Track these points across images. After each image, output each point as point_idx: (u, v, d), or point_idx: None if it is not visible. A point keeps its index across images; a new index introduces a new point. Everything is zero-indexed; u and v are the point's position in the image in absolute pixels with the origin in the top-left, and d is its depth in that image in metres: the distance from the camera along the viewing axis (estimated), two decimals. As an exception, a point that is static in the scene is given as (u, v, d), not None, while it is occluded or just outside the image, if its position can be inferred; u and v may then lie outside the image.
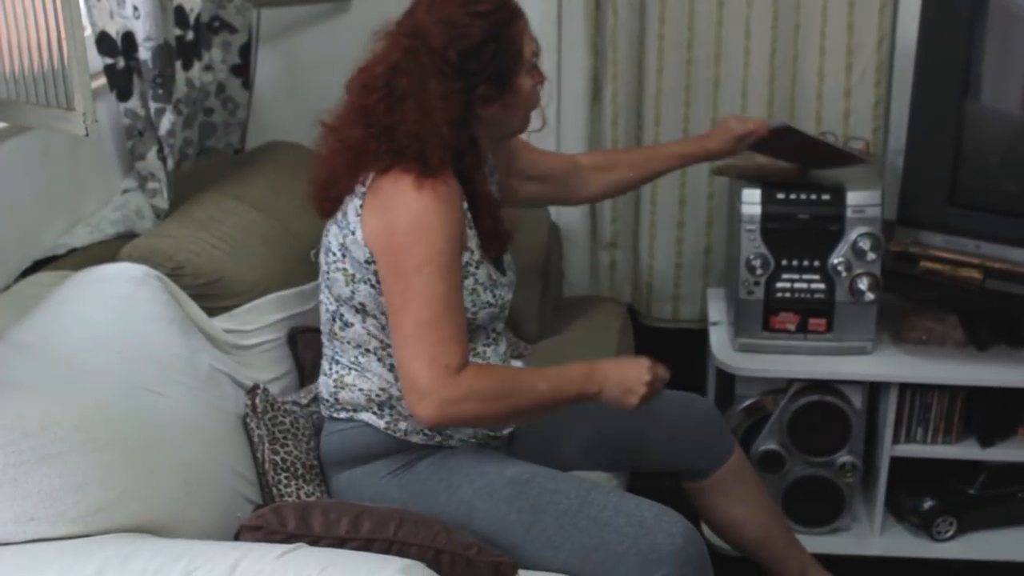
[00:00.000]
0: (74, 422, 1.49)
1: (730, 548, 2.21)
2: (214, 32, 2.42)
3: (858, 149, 2.55)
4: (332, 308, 1.82)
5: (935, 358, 2.42)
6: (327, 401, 1.87)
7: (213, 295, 2.04)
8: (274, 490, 1.81)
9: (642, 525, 1.70)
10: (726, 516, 2.07)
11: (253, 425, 1.85)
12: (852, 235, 2.35)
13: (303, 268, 2.10)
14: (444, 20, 1.72)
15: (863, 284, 2.35)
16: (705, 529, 2.22)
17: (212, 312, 2.01)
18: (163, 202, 2.23)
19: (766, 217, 2.36)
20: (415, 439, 1.82)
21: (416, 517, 1.64)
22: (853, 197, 2.35)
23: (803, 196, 2.36)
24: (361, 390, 1.81)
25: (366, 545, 1.56)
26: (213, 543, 1.52)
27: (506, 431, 1.92)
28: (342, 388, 1.83)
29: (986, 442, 2.46)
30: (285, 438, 1.86)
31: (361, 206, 1.73)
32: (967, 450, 2.47)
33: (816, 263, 2.38)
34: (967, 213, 2.33)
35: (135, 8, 2.08)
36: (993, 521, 2.53)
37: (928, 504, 2.50)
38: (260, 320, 2.08)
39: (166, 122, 2.17)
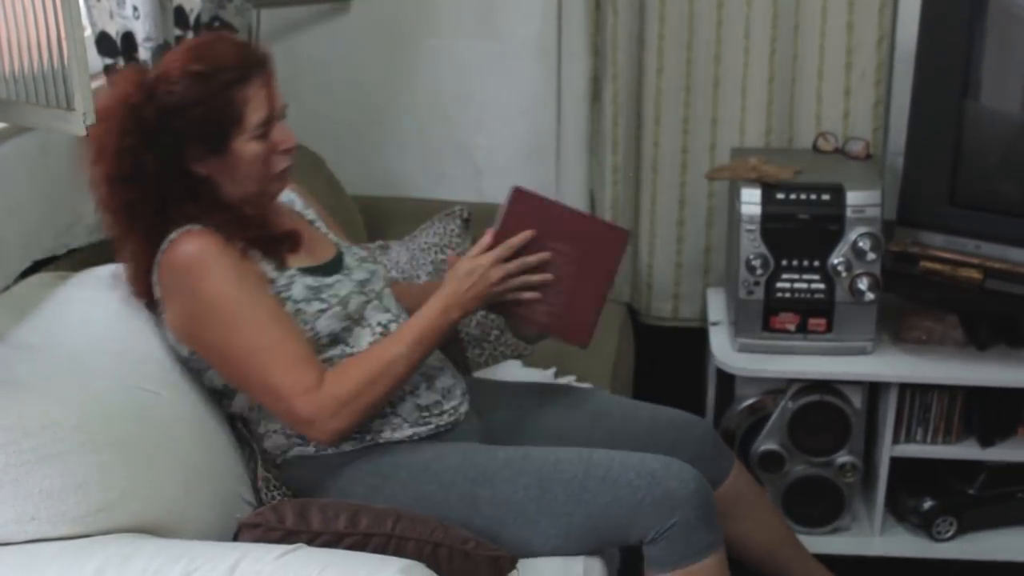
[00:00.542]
0: (74, 422, 1.49)
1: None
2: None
3: (858, 149, 2.55)
4: (212, 392, 1.83)
5: (935, 358, 2.42)
6: (267, 454, 1.86)
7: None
8: (266, 502, 1.80)
9: (652, 475, 1.71)
10: (729, 533, 2.00)
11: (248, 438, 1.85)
12: (852, 235, 2.35)
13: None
14: (161, 74, 1.72)
15: (863, 284, 2.35)
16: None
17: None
18: (163, 202, 2.23)
19: (766, 217, 2.36)
20: (347, 447, 1.81)
21: (413, 513, 1.64)
22: (853, 197, 2.35)
23: (803, 196, 2.36)
24: (275, 431, 1.82)
25: (364, 541, 1.56)
26: (213, 543, 1.52)
27: (449, 418, 1.89)
28: (264, 439, 1.83)
29: (986, 442, 2.46)
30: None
31: (160, 313, 1.77)
32: (967, 450, 2.47)
33: (816, 263, 2.38)
34: (967, 213, 2.34)
35: (135, 8, 2.08)
36: (993, 521, 2.53)
37: (928, 504, 2.50)
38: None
39: (166, 122, 2.17)
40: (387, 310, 1.89)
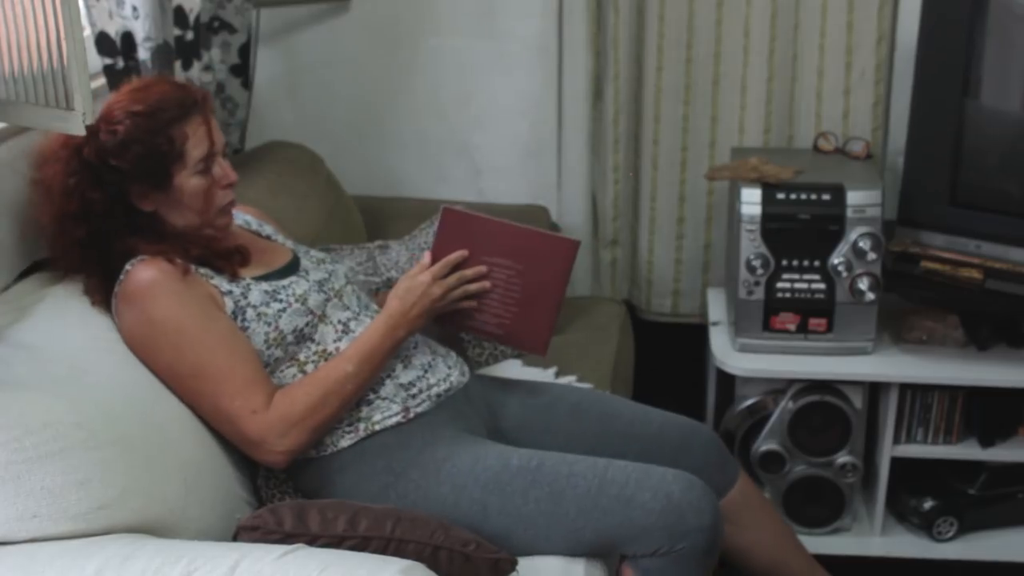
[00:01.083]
0: (75, 420, 1.49)
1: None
2: (213, 32, 2.41)
3: (858, 149, 2.55)
4: None
5: (936, 358, 2.42)
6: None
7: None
8: (267, 503, 1.81)
9: (669, 499, 1.71)
10: (732, 544, 2.02)
11: None
12: (852, 235, 2.35)
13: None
14: (103, 116, 1.76)
15: (863, 284, 2.35)
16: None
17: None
18: (162, 202, 2.23)
19: (766, 217, 2.36)
20: (344, 443, 1.82)
21: (413, 514, 1.63)
22: (853, 197, 2.34)
23: (803, 196, 2.36)
24: None
25: (363, 543, 1.56)
26: (213, 544, 1.52)
27: (441, 387, 1.90)
28: None
29: (987, 442, 2.46)
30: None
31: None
32: (968, 450, 2.47)
33: (816, 263, 2.37)
34: (968, 213, 2.33)
35: (134, 8, 2.08)
36: (994, 521, 2.53)
37: (929, 504, 2.50)
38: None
39: (165, 122, 2.17)
40: (347, 308, 1.92)
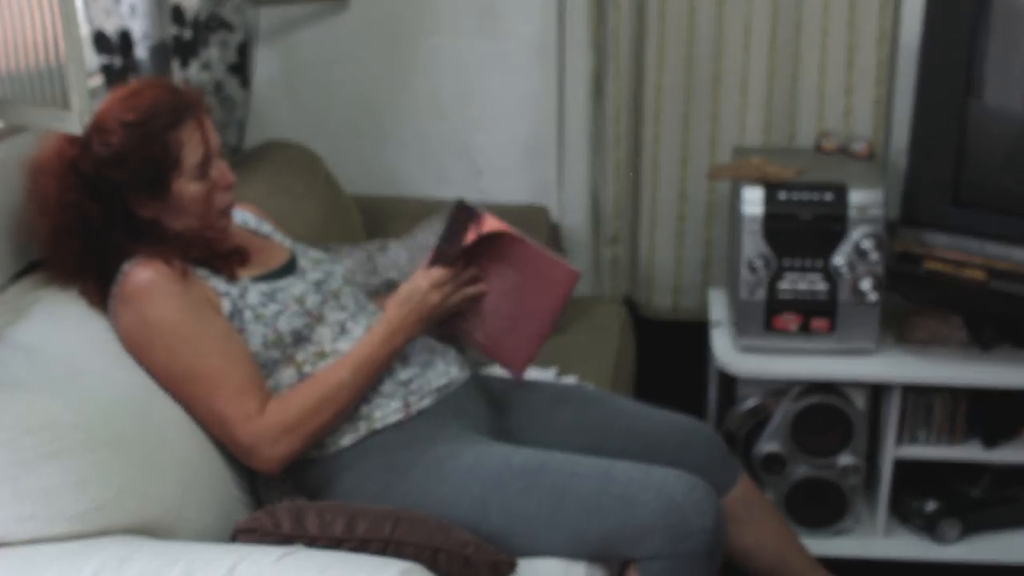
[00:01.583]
0: (73, 420, 1.49)
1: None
2: (212, 31, 2.41)
3: (861, 148, 2.54)
4: None
5: (939, 359, 2.41)
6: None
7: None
8: (266, 503, 1.80)
9: (671, 501, 1.70)
10: (734, 544, 2.00)
11: None
12: (855, 235, 2.34)
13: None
14: (95, 126, 1.74)
15: (866, 284, 2.34)
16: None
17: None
18: (161, 202, 2.22)
19: (768, 217, 2.36)
20: (345, 442, 1.82)
21: (412, 516, 1.62)
22: (856, 197, 2.34)
23: (805, 196, 2.35)
24: None
25: (362, 546, 1.55)
26: (211, 545, 1.52)
27: (440, 382, 1.90)
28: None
29: (990, 443, 2.46)
30: None
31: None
32: (971, 451, 2.47)
33: (818, 263, 2.37)
34: (971, 213, 2.33)
35: (132, 6, 2.07)
36: (998, 523, 2.52)
37: (932, 506, 2.49)
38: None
39: (164, 121, 2.16)
40: (344, 308, 1.91)
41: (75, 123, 1.59)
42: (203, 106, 1.83)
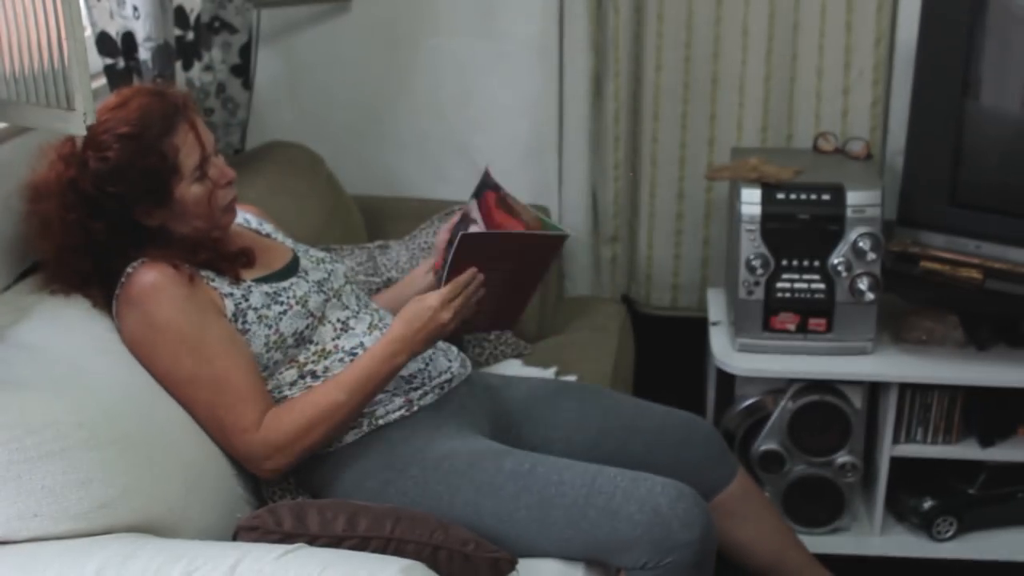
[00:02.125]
0: (76, 419, 1.49)
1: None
2: (214, 32, 2.42)
3: (858, 149, 2.55)
4: None
5: (935, 358, 2.42)
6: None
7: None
8: (269, 501, 1.81)
9: (656, 512, 1.69)
10: (732, 539, 2.02)
11: None
12: (852, 235, 2.35)
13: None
14: (88, 142, 1.73)
15: (863, 284, 2.35)
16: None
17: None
18: (163, 202, 2.23)
19: (766, 217, 2.36)
20: (348, 439, 1.83)
21: (413, 514, 1.63)
22: (853, 197, 2.35)
23: (803, 196, 2.36)
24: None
25: (363, 543, 1.55)
26: (213, 543, 1.52)
27: (443, 378, 1.91)
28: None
29: (986, 442, 2.46)
30: None
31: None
32: (967, 450, 2.47)
33: (816, 263, 2.38)
34: (967, 213, 2.34)
35: (135, 8, 2.08)
36: (993, 521, 2.53)
37: (928, 504, 2.50)
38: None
39: (166, 122, 2.17)
40: (346, 307, 1.92)
41: (79, 124, 1.59)
42: (192, 106, 1.82)
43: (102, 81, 2.15)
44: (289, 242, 2.03)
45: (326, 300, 1.89)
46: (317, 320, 1.86)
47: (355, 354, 1.86)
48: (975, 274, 2.33)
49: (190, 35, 2.27)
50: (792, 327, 2.42)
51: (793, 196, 2.37)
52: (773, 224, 2.37)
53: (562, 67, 2.76)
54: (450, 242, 1.85)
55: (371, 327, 1.91)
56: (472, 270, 1.81)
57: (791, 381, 2.44)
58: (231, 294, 1.80)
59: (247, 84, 2.53)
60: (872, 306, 2.38)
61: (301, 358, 1.84)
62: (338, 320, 1.89)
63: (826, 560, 2.19)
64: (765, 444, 2.47)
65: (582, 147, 2.81)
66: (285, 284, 1.87)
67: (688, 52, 2.71)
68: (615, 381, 2.43)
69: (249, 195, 2.26)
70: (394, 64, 2.83)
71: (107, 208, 1.75)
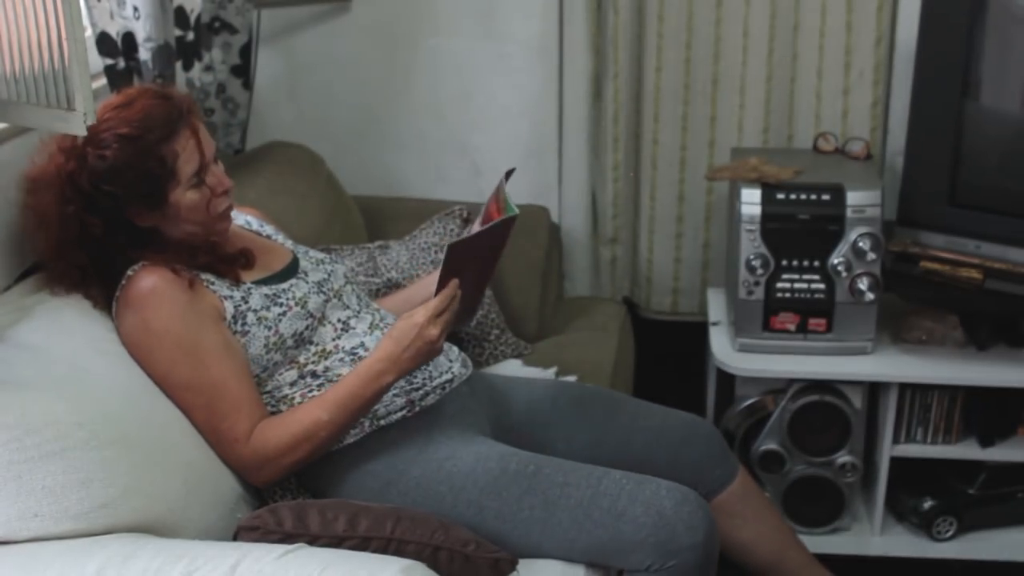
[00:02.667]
0: (77, 419, 1.50)
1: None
2: (214, 33, 2.42)
3: (858, 149, 2.55)
4: None
5: (935, 358, 2.42)
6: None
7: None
8: (269, 501, 1.81)
9: (661, 515, 1.70)
10: (732, 539, 2.03)
11: None
12: (852, 235, 2.35)
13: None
14: (89, 138, 1.72)
15: (863, 284, 2.35)
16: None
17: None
18: (163, 202, 2.23)
19: (766, 217, 2.37)
20: (349, 440, 1.83)
21: (413, 514, 1.63)
22: (853, 197, 2.35)
23: (803, 196, 2.36)
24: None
25: (363, 544, 1.56)
26: (213, 543, 1.52)
27: (442, 378, 1.90)
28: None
29: (986, 442, 2.46)
30: None
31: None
32: (967, 450, 2.48)
33: (816, 263, 2.38)
34: (967, 213, 2.34)
35: (135, 9, 2.08)
36: (993, 521, 2.53)
37: (928, 504, 2.50)
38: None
39: (166, 122, 2.17)
40: (347, 307, 1.92)
41: (79, 124, 1.59)
42: (196, 112, 1.82)
43: (102, 81, 2.15)
44: (289, 244, 2.03)
45: (326, 301, 1.89)
46: (317, 321, 1.86)
47: (355, 354, 1.86)
48: (975, 274, 2.33)
49: (190, 35, 2.27)
50: (792, 327, 2.42)
51: (793, 196, 2.37)
52: (773, 224, 2.37)
53: (562, 68, 2.76)
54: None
55: (372, 327, 1.91)
56: (454, 281, 1.77)
57: (791, 381, 2.44)
58: (231, 296, 1.80)
59: (247, 84, 2.53)
60: (872, 306, 2.38)
61: (301, 359, 1.84)
62: (339, 320, 1.89)
63: (826, 560, 2.19)
64: (765, 444, 2.47)
65: (582, 148, 2.81)
66: (284, 285, 1.87)
67: (688, 53, 2.71)
68: (615, 381, 2.43)
69: (249, 195, 2.26)
70: (394, 64, 2.83)
71: (101, 205, 1.75)
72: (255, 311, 1.80)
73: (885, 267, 2.38)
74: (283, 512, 1.59)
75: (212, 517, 1.66)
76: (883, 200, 2.35)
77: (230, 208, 1.87)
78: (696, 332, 2.77)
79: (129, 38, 2.12)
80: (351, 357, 1.86)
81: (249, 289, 1.83)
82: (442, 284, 1.77)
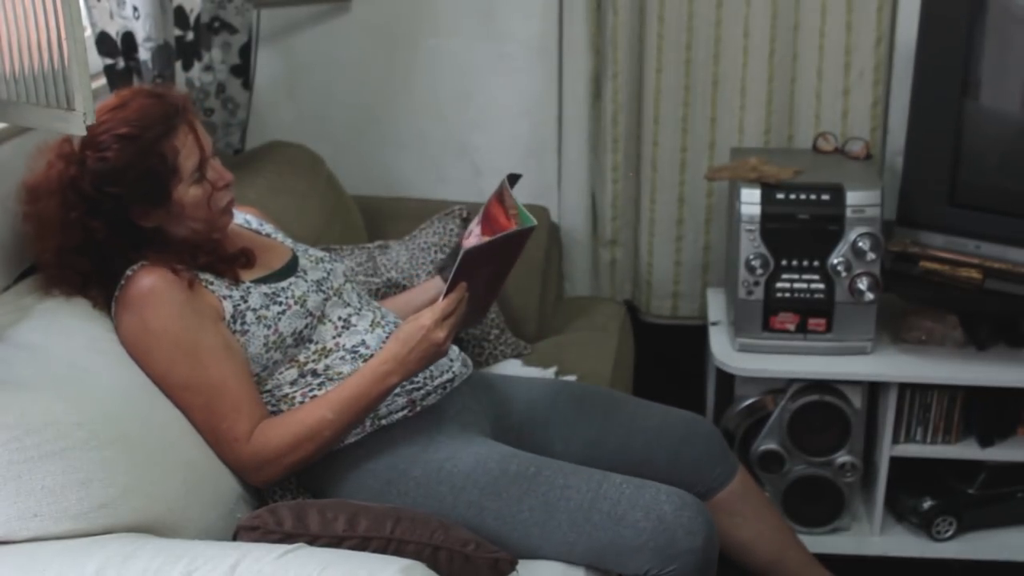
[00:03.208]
0: (76, 419, 1.50)
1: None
2: (214, 32, 2.42)
3: (858, 149, 2.55)
4: None
5: (935, 358, 2.42)
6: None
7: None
8: (269, 501, 1.82)
9: (661, 520, 1.70)
10: (732, 538, 2.03)
11: None
12: (852, 235, 2.35)
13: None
14: (88, 141, 1.73)
15: (863, 284, 2.35)
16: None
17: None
18: (163, 202, 2.23)
19: (766, 217, 2.37)
20: (351, 440, 1.83)
21: (413, 514, 1.63)
22: (853, 197, 2.35)
23: (803, 196, 2.37)
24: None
25: (363, 544, 1.56)
26: (213, 543, 1.52)
27: (443, 378, 1.90)
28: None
29: (985, 442, 2.47)
30: None
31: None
32: (967, 450, 2.48)
33: (816, 263, 2.38)
34: (967, 213, 2.34)
35: (135, 8, 2.08)
36: (993, 521, 2.53)
37: (928, 504, 2.50)
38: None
39: (166, 122, 2.17)
40: (347, 304, 1.93)
41: (79, 124, 1.59)
42: (191, 109, 1.83)
43: (102, 81, 2.15)
44: (289, 242, 2.03)
45: (325, 299, 1.89)
46: (316, 319, 1.86)
47: (356, 352, 1.86)
48: (975, 274, 2.33)
49: (190, 35, 2.28)
50: (792, 327, 2.42)
51: (793, 196, 2.37)
52: (773, 224, 2.37)
53: (561, 68, 2.76)
54: (452, 254, 1.84)
55: (373, 324, 1.91)
56: (463, 285, 1.77)
57: (791, 381, 2.44)
58: (229, 296, 1.80)
59: (247, 84, 2.53)
60: (872, 306, 2.38)
61: (301, 357, 1.84)
62: (339, 318, 1.89)
63: (826, 560, 2.19)
64: (765, 444, 2.47)
65: (581, 148, 2.81)
66: (283, 284, 1.87)
67: (689, 54, 2.70)
68: (615, 381, 2.43)
69: (249, 195, 2.26)
70: (394, 64, 2.84)
71: (104, 208, 1.75)
72: (254, 310, 1.80)
73: (885, 267, 2.38)
74: (283, 512, 1.59)
75: (212, 517, 1.66)
76: (883, 200, 2.35)
77: (232, 202, 1.88)
78: (696, 335, 2.77)
79: (129, 38, 2.12)
80: (352, 355, 1.86)
81: (248, 288, 1.83)
82: (451, 287, 1.77)
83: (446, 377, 1.91)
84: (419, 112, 2.86)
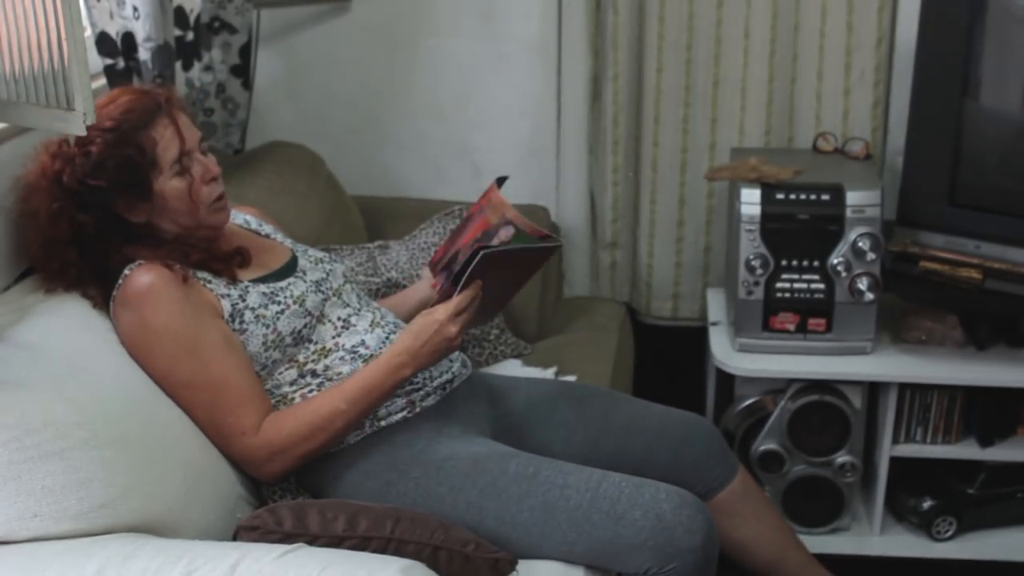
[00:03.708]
0: (76, 419, 1.50)
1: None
2: (214, 32, 2.42)
3: (858, 149, 2.55)
4: None
5: (935, 358, 2.42)
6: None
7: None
8: (269, 501, 1.82)
9: (660, 519, 1.70)
10: (732, 538, 2.03)
11: None
12: (852, 235, 2.35)
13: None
14: (77, 139, 1.74)
15: (863, 284, 2.35)
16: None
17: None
18: (163, 202, 2.23)
19: (766, 217, 2.37)
20: (351, 440, 1.83)
21: (413, 514, 1.63)
22: (853, 197, 2.35)
23: (803, 196, 2.37)
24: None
25: (363, 544, 1.56)
26: (213, 543, 1.52)
27: (443, 378, 1.91)
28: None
29: (985, 442, 2.47)
30: None
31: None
32: (967, 450, 2.48)
33: (816, 263, 2.38)
34: (967, 213, 2.34)
35: (135, 9, 2.08)
36: (993, 521, 2.53)
37: (928, 504, 2.50)
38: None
39: (166, 122, 2.17)
40: (347, 305, 1.93)
41: (79, 124, 1.60)
42: (174, 102, 1.83)
43: (102, 81, 2.15)
44: (288, 242, 2.03)
45: (325, 299, 1.89)
46: (315, 319, 1.86)
47: (356, 352, 1.86)
48: (975, 274, 2.33)
49: (190, 35, 2.28)
50: (792, 327, 2.42)
51: (793, 196, 2.37)
52: (773, 224, 2.37)
53: (560, 68, 2.76)
54: (455, 256, 1.86)
55: (373, 324, 1.91)
56: (477, 283, 1.80)
57: (791, 381, 2.44)
58: (227, 295, 1.80)
59: (247, 84, 2.53)
60: (872, 306, 2.38)
61: (300, 357, 1.84)
62: (339, 318, 1.89)
63: (826, 560, 2.19)
64: (765, 444, 2.47)
65: (581, 150, 2.81)
66: (282, 284, 1.87)
67: (689, 54, 2.70)
68: (615, 381, 2.43)
69: (249, 195, 2.27)
70: (394, 64, 2.84)
71: (90, 202, 1.76)
72: (252, 309, 1.80)
73: (885, 267, 2.38)
74: (283, 512, 1.59)
75: (212, 517, 1.67)
76: (883, 200, 2.35)
77: (220, 197, 1.87)
78: (696, 337, 2.77)
79: (129, 38, 2.12)
80: (351, 355, 1.86)
81: (246, 287, 1.83)
82: (465, 285, 1.79)
83: (445, 378, 1.91)
84: (419, 112, 2.86)
